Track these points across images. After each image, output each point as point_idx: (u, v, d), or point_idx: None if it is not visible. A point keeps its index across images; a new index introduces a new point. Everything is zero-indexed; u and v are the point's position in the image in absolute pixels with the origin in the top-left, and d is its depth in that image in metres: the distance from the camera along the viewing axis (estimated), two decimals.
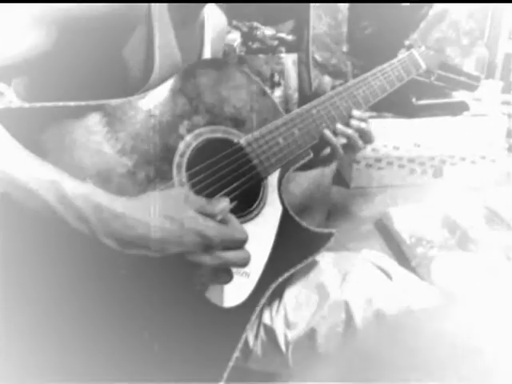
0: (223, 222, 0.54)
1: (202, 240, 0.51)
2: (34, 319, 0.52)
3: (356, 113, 0.77)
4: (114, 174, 0.57)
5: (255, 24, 1.87)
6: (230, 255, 0.53)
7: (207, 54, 0.79)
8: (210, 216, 0.53)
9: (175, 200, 0.53)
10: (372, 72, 0.81)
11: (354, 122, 0.76)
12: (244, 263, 0.55)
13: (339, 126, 0.76)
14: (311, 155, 0.75)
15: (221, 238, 0.52)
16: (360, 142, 0.77)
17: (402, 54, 0.88)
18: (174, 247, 0.50)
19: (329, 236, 0.74)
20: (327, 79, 0.86)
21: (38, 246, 0.51)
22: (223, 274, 0.55)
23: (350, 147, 0.77)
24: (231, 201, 0.59)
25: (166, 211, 0.51)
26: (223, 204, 0.55)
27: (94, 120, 0.57)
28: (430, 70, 0.93)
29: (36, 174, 0.48)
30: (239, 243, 0.54)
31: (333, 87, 0.81)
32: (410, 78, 0.87)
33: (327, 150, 0.79)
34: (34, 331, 0.52)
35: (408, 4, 1.74)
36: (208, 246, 0.51)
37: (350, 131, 0.76)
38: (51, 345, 0.53)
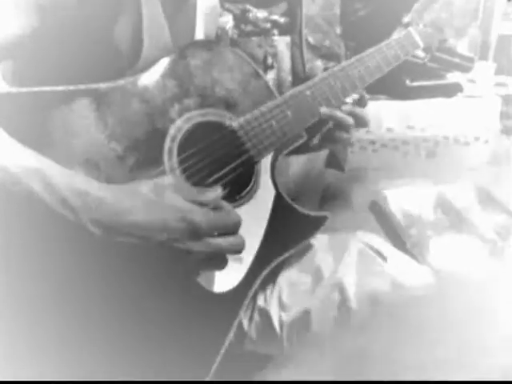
0: (215, 208, 0.54)
1: (187, 226, 0.50)
2: (21, 308, 0.52)
3: (340, 116, 0.74)
4: (103, 160, 0.56)
5: (247, 6, 1.83)
6: (221, 241, 0.52)
7: (199, 36, 0.77)
8: (202, 204, 0.53)
9: (164, 187, 0.52)
10: (368, 52, 0.79)
11: (346, 108, 0.74)
12: (238, 249, 0.54)
13: (324, 110, 0.73)
14: (305, 138, 0.74)
15: (209, 222, 0.51)
16: (350, 121, 0.74)
17: (400, 33, 0.86)
18: (160, 234, 0.50)
19: (323, 219, 0.74)
20: (318, 64, 0.85)
21: (25, 235, 0.51)
22: (216, 260, 0.54)
23: (342, 127, 0.75)
24: (224, 186, 0.58)
25: (153, 197, 0.50)
26: (215, 193, 0.54)
27: (83, 105, 0.56)
28: (429, 49, 0.91)
29: (20, 162, 0.47)
30: (232, 227, 0.53)
31: (325, 69, 0.79)
32: (408, 56, 0.85)
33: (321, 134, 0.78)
34: (21, 322, 0.52)
35: None
36: (195, 231, 0.51)
37: (338, 114, 0.73)
38: (39, 333, 0.53)
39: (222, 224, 0.53)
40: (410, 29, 0.86)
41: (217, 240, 0.52)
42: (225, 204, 0.56)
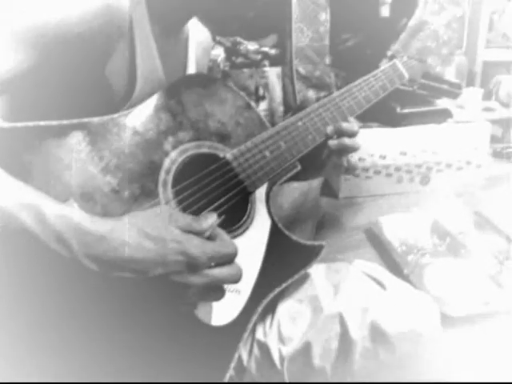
0: (211, 237, 0.53)
1: (186, 259, 0.49)
2: (16, 343, 0.50)
3: (345, 125, 0.76)
4: (98, 193, 0.56)
5: (238, 39, 1.87)
6: (218, 272, 0.51)
7: (192, 70, 0.79)
8: (198, 233, 0.52)
9: (159, 219, 0.52)
10: (356, 83, 0.82)
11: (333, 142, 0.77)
12: (235, 279, 0.53)
13: (330, 128, 0.75)
14: (299, 168, 0.75)
15: (207, 255, 0.50)
16: (356, 128, 0.77)
17: (385, 65, 0.89)
18: (157, 268, 0.49)
19: (319, 248, 0.73)
20: (310, 93, 0.87)
21: (20, 271, 0.50)
22: (214, 291, 0.53)
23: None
24: (219, 216, 0.58)
25: (149, 231, 0.50)
26: (211, 220, 0.54)
27: (77, 139, 0.56)
28: (413, 80, 0.94)
29: (14, 198, 0.46)
30: (228, 257, 0.53)
31: (317, 99, 0.81)
32: (394, 87, 0.88)
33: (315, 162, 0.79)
34: (15, 356, 0.51)
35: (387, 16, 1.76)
36: (193, 264, 0.50)
37: (343, 125, 0.76)
38: (33, 371, 0.51)
39: (219, 255, 0.52)
40: (396, 61, 0.89)
41: (214, 271, 0.52)
42: (221, 231, 0.55)
